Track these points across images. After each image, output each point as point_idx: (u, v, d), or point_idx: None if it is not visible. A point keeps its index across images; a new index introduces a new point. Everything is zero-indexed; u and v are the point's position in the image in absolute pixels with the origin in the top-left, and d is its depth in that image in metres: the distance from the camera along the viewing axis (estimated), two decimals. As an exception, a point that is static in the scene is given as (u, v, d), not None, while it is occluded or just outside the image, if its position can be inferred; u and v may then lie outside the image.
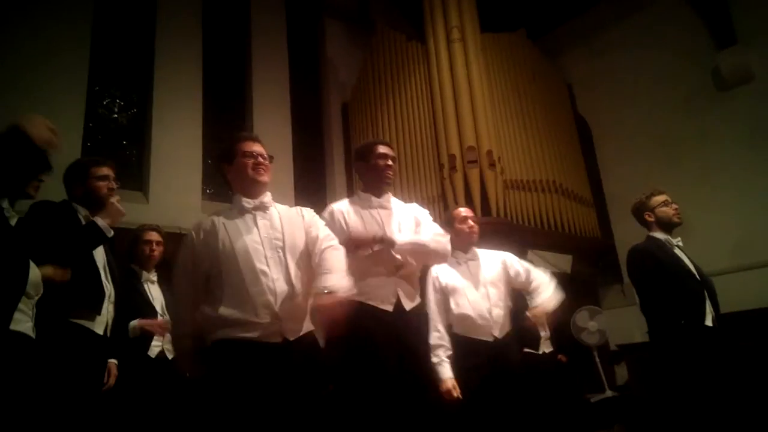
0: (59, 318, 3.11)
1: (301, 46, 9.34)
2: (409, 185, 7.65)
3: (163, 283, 4.64)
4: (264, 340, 2.60)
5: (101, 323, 3.32)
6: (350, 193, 7.66)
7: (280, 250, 2.77)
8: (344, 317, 2.57)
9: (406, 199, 3.79)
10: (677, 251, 4.03)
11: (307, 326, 2.79)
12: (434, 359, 3.72)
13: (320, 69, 9.58)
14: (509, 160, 7.54)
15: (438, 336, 3.82)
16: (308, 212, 3.05)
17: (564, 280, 7.34)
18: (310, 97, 9.33)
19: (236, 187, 2.94)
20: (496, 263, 4.03)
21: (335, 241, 2.93)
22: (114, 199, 3.35)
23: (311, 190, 8.60)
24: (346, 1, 9.90)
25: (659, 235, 4.09)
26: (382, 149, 3.60)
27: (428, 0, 8.06)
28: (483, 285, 3.89)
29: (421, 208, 3.71)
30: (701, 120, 7.69)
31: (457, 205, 6.78)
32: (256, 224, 2.82)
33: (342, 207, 3.55)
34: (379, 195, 3.56)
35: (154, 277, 4.62)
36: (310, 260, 2.82)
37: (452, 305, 3.86)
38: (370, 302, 3.25)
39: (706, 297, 3.83)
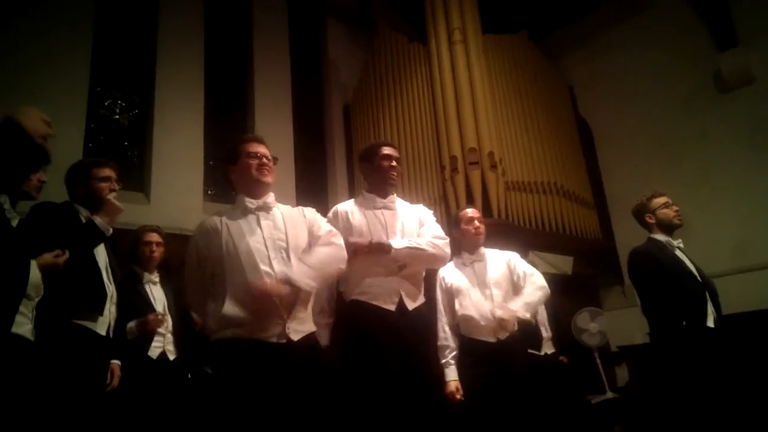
0: (62, 319, 3.12)
1: (302, 47, 9.35)
2: (410, 187, 7.65)
3: (166, 284, 4.65)
4: (268, 340, 2.61)
5: (103, 324, 3.33)
6: (352, 194, 7.67)
7: (283, 251, 2.78)
8: (269, 302, 2.61)
9: (408, 200, 3.79)
10: (678, 253, 4.03)
11: (310, 327, 2.80)
12: (441, 360, 3.74)
13: (322, 70, 9.58)
14: (510, 161, 7.54)
15: (443, 337, 3.84)
16: (310, 211, 3.07)
17: (565, 282, 7.41)
18: (312, 98, 9.34)
19: (240, 188, 2.95)
20: (501, 264, 4.02)
21: (336, 237, 2.95)
22: (111, 195, 3.36)
23: (313, 191, 8.60)
24: (348, 3, 9.90)
25: (660, 236, 4.10)
26: (386, 150, 3.61)
27: (430, 1, 8.06)
28: (487, 286, 3.88)
29: (426, 209, 3.73)
30: (702, 121, 7.70)
31: (458, 206, 6.79)
32: (259, 225, 2.83)
33: (346, 207, 3.57)
34: (384, 196, 3.57)
35: (156, 278, 4.62)
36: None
37: (456, 306, 3.87)
38: (373, 302, 3.26)
39: (708, 298, 3.83)
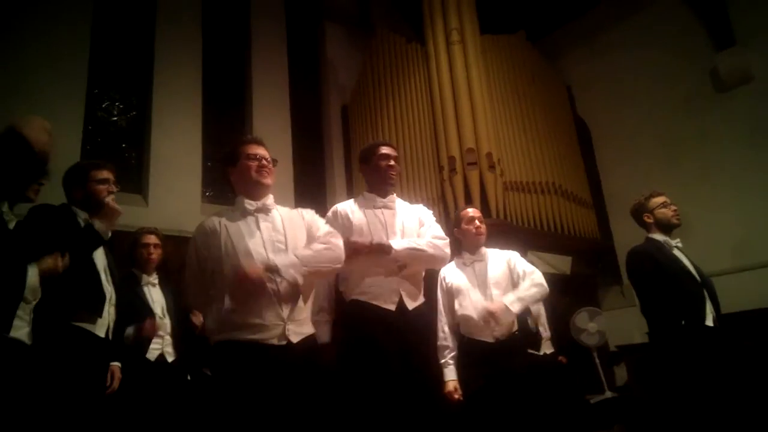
0: (61, 321, 3.11)
1: (300, 49, 9.34)
2: (409, 187, 7.65)
3: (165, 286, 4.65)
4: (268, 342, 2.62)
5: (103, 326, 3.32)
6: (350, 195, 7.66)
7: (283, 253, 2.78)
8: (251, 286, 2.61)
9: (406, 200, 3.79)
10: (676, 252, 4.03)
11: (309, 329, 2.80)
12: (440, 360, 3.75)
13: (320, 71, 9.58)
14: (509, 161, 7.54)
15: (443, 337, 3.85)
16: (309, 213, 3.08)
17: (563, 282, 7.41)
18: (310, 99, 9.33)
19: (239, 189, 2.96)
20: (501, 263, 4.02)
21: (334, 237, 2.95)
22: (110, 199, 3.35)
23: (311, 193, 8.59)
24: (346, 4, 9.90)
25: (658, 236, 4.10)
26: (384, 150, 3.61)
27: (428, 2, 8.06)
28: (487, 286, 3.88)
29: (425, 209, 3.73)
30: (700, 121, 7.70)
31: (457, 206, 6.80)
32: (258, 226, 2.84)
33: (346, 207, 3.58)
34: (383, 195, 3.58)
35: (155, 279, 4.61)
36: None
37: (456, 306, 3.87)
38: (373, 302, 3.27)
39: (707, 297, 3.83)
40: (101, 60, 7.18)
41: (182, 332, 4.55)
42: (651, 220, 4.15)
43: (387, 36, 8.73)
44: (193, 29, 7.98)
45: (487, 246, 4.12)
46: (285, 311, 2.67)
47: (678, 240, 4.10)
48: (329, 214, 3.56)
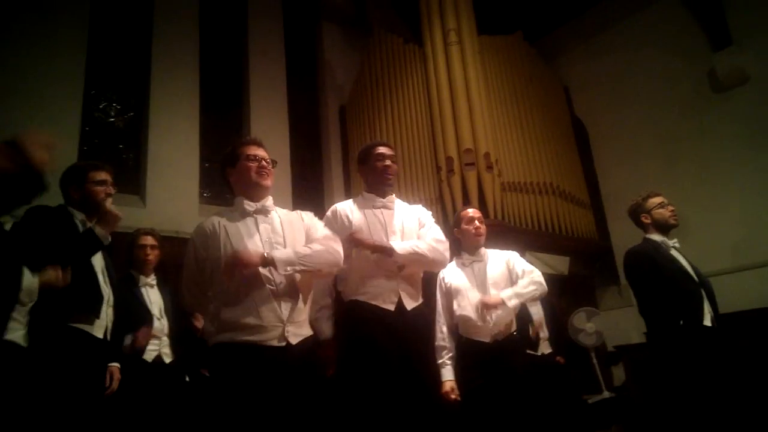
0: (58, 323, 3.11)
1: (298, 50, 9.33)
2: (406, 188, 7.64)
3: (162, 287, 4.65)
4: (267, 343, 2.61)
5: (101, 327, 3.33)
6: (348, 196, 7.65)
7: (280, 248, 2.78)
8: (236, 274, 2.61)
9: (404, 201, 3.79)
10: (674, 253, 4.04)
11: (308, 330, 2.80)
12: (437, 360, 3.76)
13: (317, 72, 9.57)
14: (506, 162, 7.55)
15: (441, 337, 3.86)
16: (308, 215, 3.08)
17: (561, 282, 7.42)
18: (308, 100, 9.32)
19: (238, 190, 2.96)
20: (501, 264, 4.03)
21: (334, 241, 2.95)
22: (110, 204, 3.35)
23: (309, 194, 8.59)
24: (344, 5, 9.89)
25: (656, 236, 4.10)
26: (380, 150, 3.61)
27: (425, 3, 8.06)
28: (486, 286, 3.88)
29: (425, 210, 3.73)
30: (698, 121, 7.71)
31: (455, 207, 6.81)
32: (257, 228, 2.84)
33: (345, 206, 3.58)
34: (382, 196, 3.58)
35: (152, 281, 4.61)
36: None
37: (455, 306, 3.88)
38: (372, 302, 3.27)
39: (704, 297, 3.84)
40: (98, 61, 7.15)
41: (180, 333, 4.55)
42: (648, 221, 4.16)
43: (384, 36, 8.73)
44: (191, 30, 7.96)
45: (486, 246, 4.12)
46: (284, 312, 2.66)
47: (675, 240, 4.11)
48: (328, 213, 3.56)
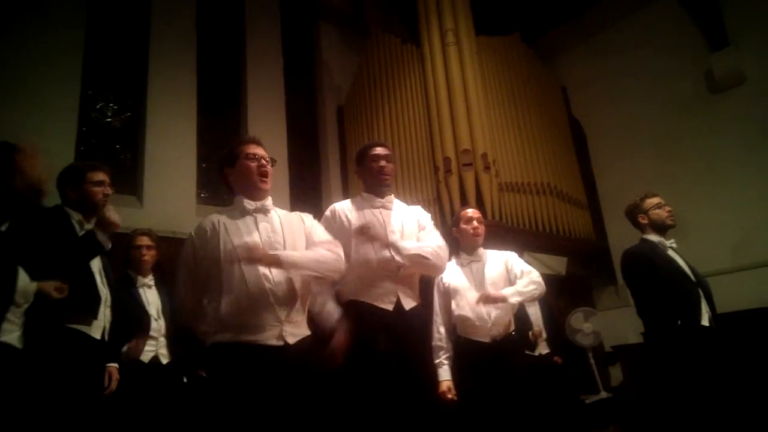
0: (56, 323, 3.10)
1: (296, 50, 9.33)
2: (404, 188, 7.64)
3: (160, 287, 4.64)
4: (264, 342, 2.61)
5: (98, 328, 3.33)
6: (346, 197, 7.65)
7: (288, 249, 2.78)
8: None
9: (402, 201, 3.78)
10: (671, 253, 4.04)
11: (305, 331, 2.80)
12: (434, 360, 3.76)
13: (315, 72, 9.57)
14: (504, 162, 7.55)
15: (438, 338, 3.86)
16: (308, 218, 3.09)
17: (559, 282, 7.42)
18: (305, 100, 9.32)
19: (238, 190, 2.95)
20: (499, 264, 4.03)
21: (337, 247, 2.96)
22: (110, 210, 3.35)
23: (306, 194, 8.59)
24: (341, 5, 9.89)
25: (653, 237, 4.11)
26: (376, 151, 3.60)
27: (423, 3, 8.06)
28: (484, 286, 3.88)
29: (424, 212, 3.72)
30: (695, 122, 7.72)
31: (452, 208, 6.81)
32: (257, 226, 2.83)
33: (344, 206, 3.57)
34: (381, 196, 3.57)
35: (150, 281, 4.61)
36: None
37: (453, 306, 3.88)
38: (371, 302, 3.27)
39: (702, 297, 3.84)
40: (96, 61, 7.15)
41: (177, 334, 4.54)
42: (646, 221, 4.17)
43: (382, 37, 8.73)
44: (188, 30, 7.96)
45: (483, 247, 4.13)
46: (282, 313, 2.66)
47: (672, 241, 4.12)
48: (327, 213, 3.55)
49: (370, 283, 3.30)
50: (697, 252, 4.88)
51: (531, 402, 3.77)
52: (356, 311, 3.27)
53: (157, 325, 4.44)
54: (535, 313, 5.84)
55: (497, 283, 3.91)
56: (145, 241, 4.65)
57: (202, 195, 7.62)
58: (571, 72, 9.40)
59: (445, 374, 3.74)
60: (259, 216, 2.87)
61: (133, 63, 7.54)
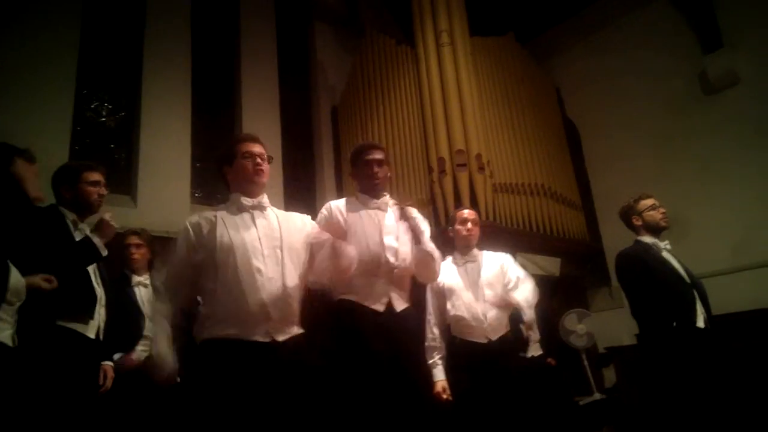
0: (51, 323, 3.10)
1: (290, 50, 9.33)
2: (398, 189, 7.65)
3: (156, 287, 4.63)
4: (251, 338, 2.60)
5: (93, 327, 3.32)
6: (340, 197, 7.64)
7: (278, 250, 2.78)
8: None
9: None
10: (665, 254, 4.04)
11: (296, 329, 2.79)
12: (428, 360, 3.76)
13: (310, 72, 9.57)
14: (498, 163, 7.56)
15: (432, 338, 3.86)
16: (309, 220, 3.11)
17: (552, 283, 7.43)
18: (300, 100, 9.32)
19: (235, 187, 2.95)
20: (495, 265, 4.03)
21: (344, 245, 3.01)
22: (108, 216, 3.35)
23: (301, 194, 8.59)
24: (336, 5, 9.89)
25: (647, 238, 4.11)
26: (369, 156, 3.58)
27: (418, 4, 8.07)
28: (480, 287, 3.89)
29: (421, 218, 3.70)
30: (690, 123, 7.74)
31: (446, 208, 6.82)
32: (254, 223, 2.83)
33: (340, 204, 3.57)
34: (376, 197, 3.56)
35: (146, 280, 4.61)
36: (305, 264, 2.89)
37: (449, 306, 3.88)
38: (362, 302, 3.26)
39: (697, 299, 3.84)
40: (90, 60, 7.14)
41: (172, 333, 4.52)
42: (640, 223, 4.16)
43: (377, 37, 8.75)
44: (183, 30, 7.95)
45: (478, 248, 4.13)
46: (272, 310, 2.65)
47: (667, 242, 4.11)
48: (323, 210, 3.54)
49: (362, 283, 3.30)
50: (693, 253, 4.89)
51: (525, 403, 3.78)
52: (347, 311, 3.27)
53: (151, 324, 4.42)
54: (531, 315, 5.83)
55: (493, 283, 3.91)
56: (134, 240, 4.66)
57: (197, 195, 7.61)
58: (565, 73, 9.42)
59: (440, 374, 3.74)
60: (256, 213, 2.88)
61: (128, 63, 7.53)
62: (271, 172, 3.04)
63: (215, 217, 2.81)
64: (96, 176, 3.52)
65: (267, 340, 2.63)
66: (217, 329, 2.62)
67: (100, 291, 3.41)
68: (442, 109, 7.45)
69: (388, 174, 3.66)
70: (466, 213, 4.11)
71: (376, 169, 3.54)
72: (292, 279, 2.77)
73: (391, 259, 3.31)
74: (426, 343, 3.83)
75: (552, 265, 7.69)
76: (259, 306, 2.63)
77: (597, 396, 6.77)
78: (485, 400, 3.59)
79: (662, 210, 4.16)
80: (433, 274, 3.55)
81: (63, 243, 3.22)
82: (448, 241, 4.08)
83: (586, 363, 7.07)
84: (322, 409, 2.80)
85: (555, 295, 7.66)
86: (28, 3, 6.46)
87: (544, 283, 5.40)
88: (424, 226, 3.58)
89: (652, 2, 8.36)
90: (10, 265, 2.61)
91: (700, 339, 3.73)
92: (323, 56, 9.55)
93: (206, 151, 7.59)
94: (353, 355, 3.17)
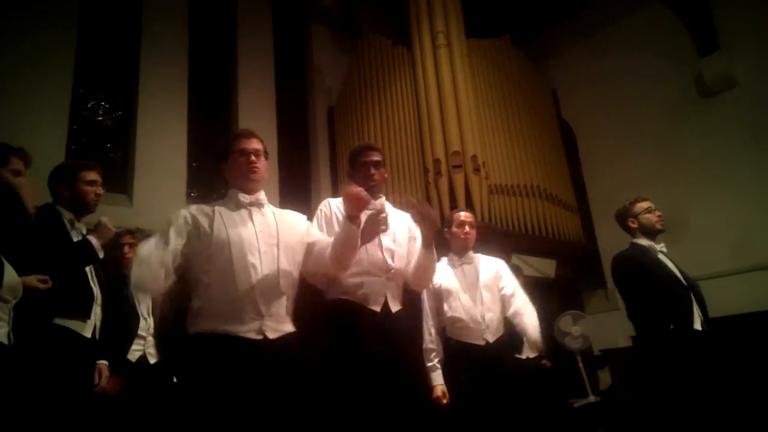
0: (47, 322, 3.09)
1: (287, 51, 9.34)
2: (394, 190, 7.64)
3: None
4: (243, 335, 2.58)
5: (89, 326, 3.31)
6: (335, 196, 7.66)
7: (274, 247, 2.78)
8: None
9: (390, 202, 3.77)
10: (661, 257, 4.05)
11: (289, 327, 2.79)
12: (427, 363, 3.75)
13: (306, 73, 9.58)
14: (494, 164, 7.57)
15: (429, 339, 3.85)
16: (304, 218, 3.10)
17: (548, 285, 7.43)
18: (296, 101, 9.33)
19: (232, 184, 2.94)
20: (491, 268, 4.04)
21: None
22: (105, 219, 3.35)
23: (296, 194, 8.59)
24: (333, 7, 9.90)
25: (643, 241, 4.11)
26: (365, 154, 3.58)
27: (414, 6, 8.08)
28: (477, 289, 3.89)
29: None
30: (686, 126, 7.76)
31: (442, 209, 6.82)
32: (252, 219, 2.83)
33: (338, 202, 3.56)
34: (374, 198, 3.56)
35: (143, 280, 4.59)
36: (301, 263, 2.90)
37: (445, 308, 3.87)
38: (359, 302, 3.26)
39: (693, 301, 3.85)
40: (87, 60, 7.14)
41: (167, 332, 4.52)
42: (635, 225, 4.17)
43: (373, 39, 8.75)
44: (180, 30, 7.95)
45: (474, 250, 4.13)
46: (264, 306, 2.64)
47: (662, 245, 4.12)
48: (322, 206, 3.53)
49: (359, 283, 3.29)
50: (691, 255, 4.90)
51: (520, 406, 3.78)
52: (343, 310, 3.27)
53: (146, 324, 4.42)
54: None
55: (490, 285, 3.92)
56: (127, 239, 4.64)
57: (192, 194, 7.61)
58: (561, 75, 9.44)
59: (438, 379, 3.73)
60: (254, 209, 2.87)
61: (125, 62, 7.54)
62: (267, 173, 3.03)
63: (213, 211, 2.80)
64: (93, 175, 3.52)
65: (259, 337, 2.61)
66: (209, 324, 2.60)
67: (96, 290, 3.41)
68: (438, 110, 7.46)
69: (385, 176, 3.66)
70: (464, 216, 4.10)
71: (372, 170, 3.53)
72: (287, 277, 2.77)
73: (389, 260, 3.31)
74: (424, 345, 3.83)
75: (547, 266, 7.70)
76: (251, 302, 2.62)
77: (592, 398, 6.76)
78: (482, 401, 3.59)
79: (658, 213, 4.17)
80: (426, 281, 3.55)
81: (60, 242, 3.21)
82: (444, 242, 4.08)
83: (581, 365, 7.06)
84: (312, 408, 2.79)
85: (550, 297, 7.65)
86: (25, 2, 6.45)
87: (539, 285, 5.41)
88: (416, 232, 3.59)
89: (648, 5, 8.37)
90: (5, 262, 2.60)
91: (697, 341, 3.73)
92: (320, 57, 9.56)
93: (202, 151, 7.60)
94: (350, 354, 3.17)
